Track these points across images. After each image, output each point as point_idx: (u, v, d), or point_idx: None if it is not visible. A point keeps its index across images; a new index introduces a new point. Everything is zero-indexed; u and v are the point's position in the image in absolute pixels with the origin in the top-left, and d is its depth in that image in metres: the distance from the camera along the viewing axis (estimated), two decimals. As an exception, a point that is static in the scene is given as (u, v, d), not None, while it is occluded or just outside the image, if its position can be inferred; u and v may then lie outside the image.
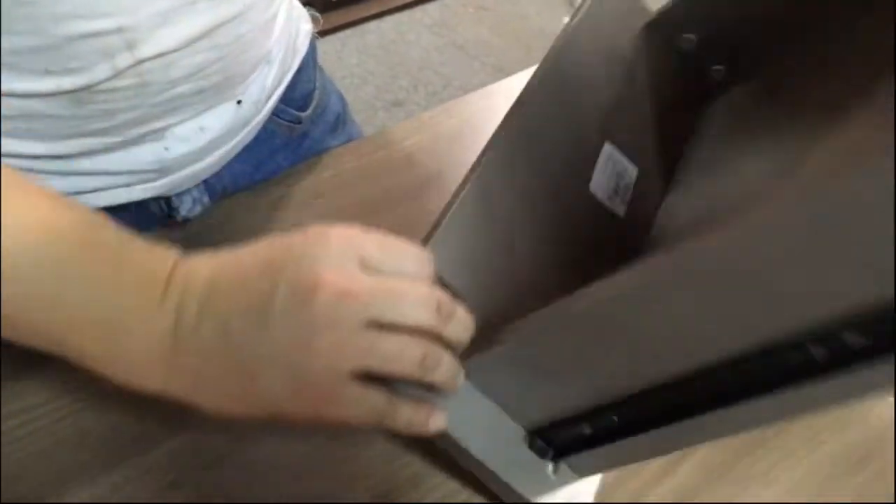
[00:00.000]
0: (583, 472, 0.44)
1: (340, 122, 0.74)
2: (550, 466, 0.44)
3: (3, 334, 0.35)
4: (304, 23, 0.65)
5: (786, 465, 0.48)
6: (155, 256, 0.36)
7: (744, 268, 0.28)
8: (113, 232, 0.36)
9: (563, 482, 0.43)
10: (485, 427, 0.43)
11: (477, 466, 0.44)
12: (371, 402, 0.35)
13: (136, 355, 0.35)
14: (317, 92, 0.70)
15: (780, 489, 0.47)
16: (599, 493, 0.44)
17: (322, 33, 0.70)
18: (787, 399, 0.31)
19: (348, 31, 2.13)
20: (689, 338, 0.33)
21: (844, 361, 0.29)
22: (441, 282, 0.40)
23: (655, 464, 0.47)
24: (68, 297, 0.35)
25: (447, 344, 0.37)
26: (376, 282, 0.34)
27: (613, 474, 0.46)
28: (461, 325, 0.37)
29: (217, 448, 0.45)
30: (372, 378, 0.35)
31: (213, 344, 0.34)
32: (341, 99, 0.75)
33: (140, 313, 0.35)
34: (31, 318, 0.35)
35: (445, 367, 0.36)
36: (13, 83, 0.44)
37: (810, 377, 0.30)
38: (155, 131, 0.52)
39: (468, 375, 0.40)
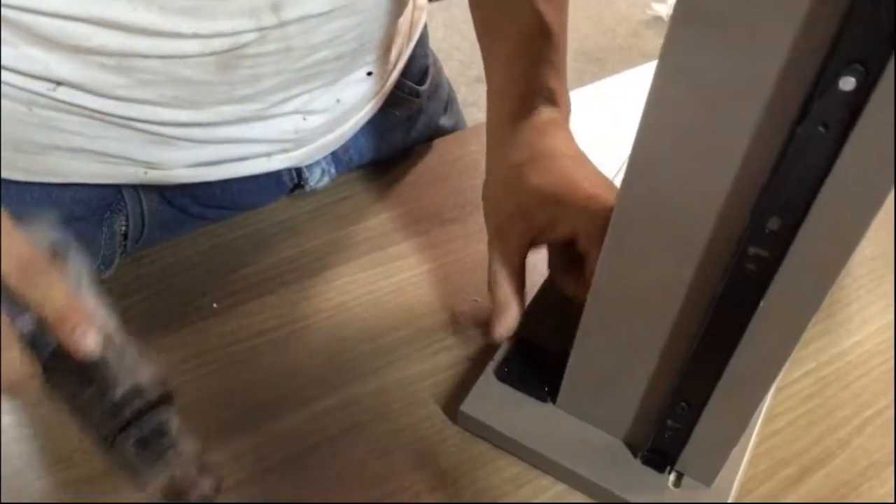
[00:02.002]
0: (703, 477, 0.44)
1: (451, 103, 0.75)
2: (671, 478, 0.44)
3: None
4: None
5: (911, 490, 0.47)
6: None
7: None
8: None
9: (693, 497, 0.44)
10: (594, 452, 0.45)
11: (603, 495, 0.45)
12: None
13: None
14: (431, 68, 0.71)
15: (902, 513, 0.46)
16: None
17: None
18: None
19: (435, 5, 2.13)
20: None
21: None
22: None
23: (783, 473, 0.47)
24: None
25: None
26: None
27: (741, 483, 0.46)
28: None
29: (306, 438, 0.47)
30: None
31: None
32: (449, 82, 0.77)
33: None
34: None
35: None
36: (161, 46, 0.44)
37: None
38: (296, 97, 0.53)
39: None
